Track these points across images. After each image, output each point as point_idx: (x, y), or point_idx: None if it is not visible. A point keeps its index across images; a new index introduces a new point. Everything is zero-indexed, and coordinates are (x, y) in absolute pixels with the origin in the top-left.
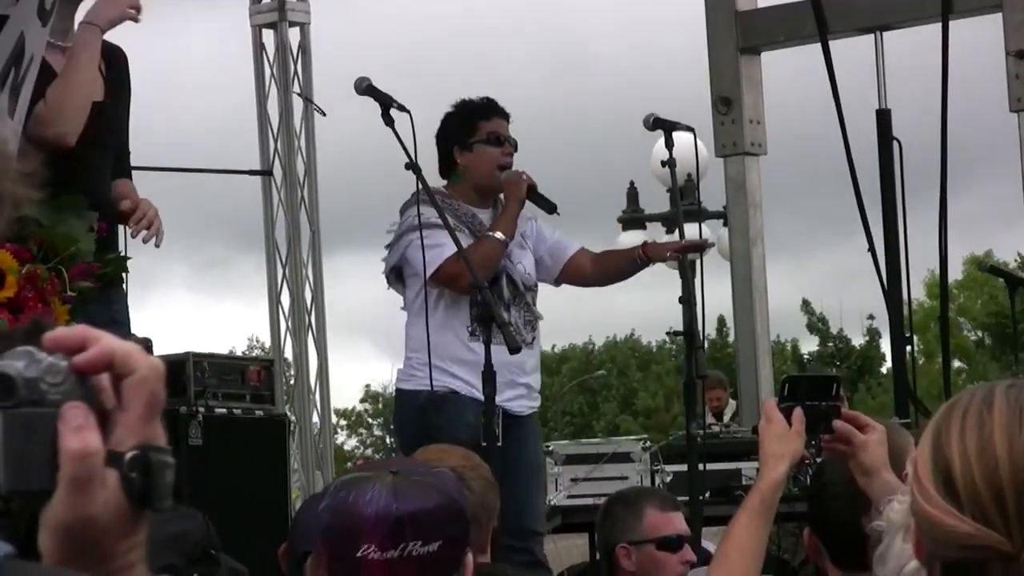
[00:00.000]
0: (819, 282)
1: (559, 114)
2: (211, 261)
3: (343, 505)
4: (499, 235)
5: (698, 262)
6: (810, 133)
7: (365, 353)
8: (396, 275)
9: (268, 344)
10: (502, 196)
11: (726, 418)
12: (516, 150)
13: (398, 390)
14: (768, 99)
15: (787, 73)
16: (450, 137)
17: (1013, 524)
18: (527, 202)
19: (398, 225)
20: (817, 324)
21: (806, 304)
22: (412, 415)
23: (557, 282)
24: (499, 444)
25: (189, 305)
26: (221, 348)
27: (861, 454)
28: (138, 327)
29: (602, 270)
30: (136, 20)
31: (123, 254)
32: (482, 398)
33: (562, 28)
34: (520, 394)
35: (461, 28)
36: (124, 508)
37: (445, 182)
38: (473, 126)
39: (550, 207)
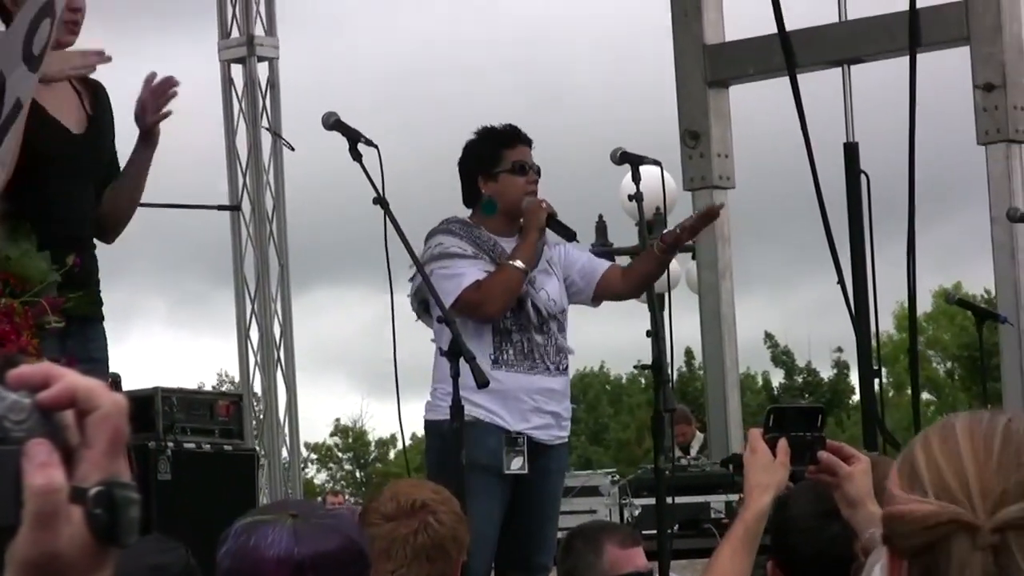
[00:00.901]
0: (787, 314)
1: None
2: (186, 296)
3: (244, 549)
4: (519, 263)
5: (666, 296)
6: (780, 166)
7: (340, 387)
8: (423, 307)
9: (237, 378)
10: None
11: (693, 451)
12: (540, 176)
13: (425, 421)
14: (737, 132)
15: (757, 106)
16: (474, 165)
17: (976, 499)
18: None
19: (422, 254)
20: (781, 357)
21: (769, 337)
22: (437, 444)
23: (594, 301)
24: (525, 472)
25: (165, 339)
26: (191, 383)
27: (846, 485)
28: (113, 361)
29: (632, 279)
30: (92, 70)
31: (97, 291)
32: (506, 425)
33: (539, 61)
34: (547, 423)
35: (432, 63)
36: (89, 544)
37: (470, 211)
38: (498, 155)
39: (569, 235)
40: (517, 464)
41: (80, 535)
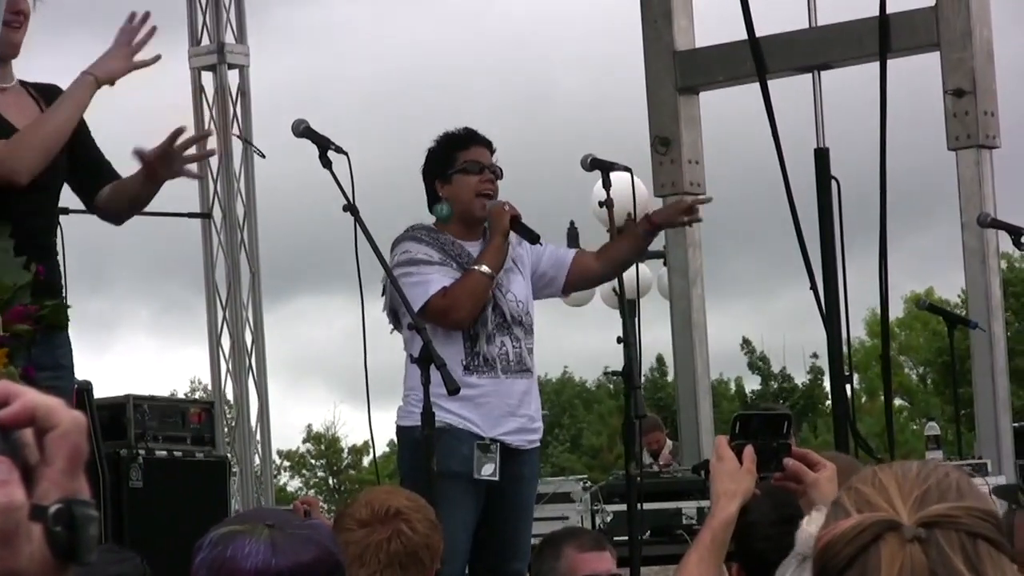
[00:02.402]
0: (759, 321)
1: (510, 152)
2: (170, 304)
3: (220, 560)
4: (484, 268)
5: (636, 302)
6: (751, 172)
7: (318, 394)
8: (394, 316)
9: (209, 386)
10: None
11: (664, 454)
12: (500, 177)
13: (397, 427)
14: (708, 139)
15: (728, 112)
16: (432, 170)
17: (899, 505)
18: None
19: (390, 261)
20: (758, 363)
21: (746, 343)
22: (410, 450)
23: (565, 291)
24: (496, 479)
25: (149, 347)
26: (173, 390)
27: (812, 492)
28: (96, 369)
29: (609, 261)
30: (147, 64)
31: (63, 300)
32: (478, 432)
33: (520, 65)
34: (521, 426)
35: (408, 70)
36: (49, 562)
37: (434, 218)
38: (452, 156)
39: (533, 237)
40: (488, 471)
41: (40, 553)
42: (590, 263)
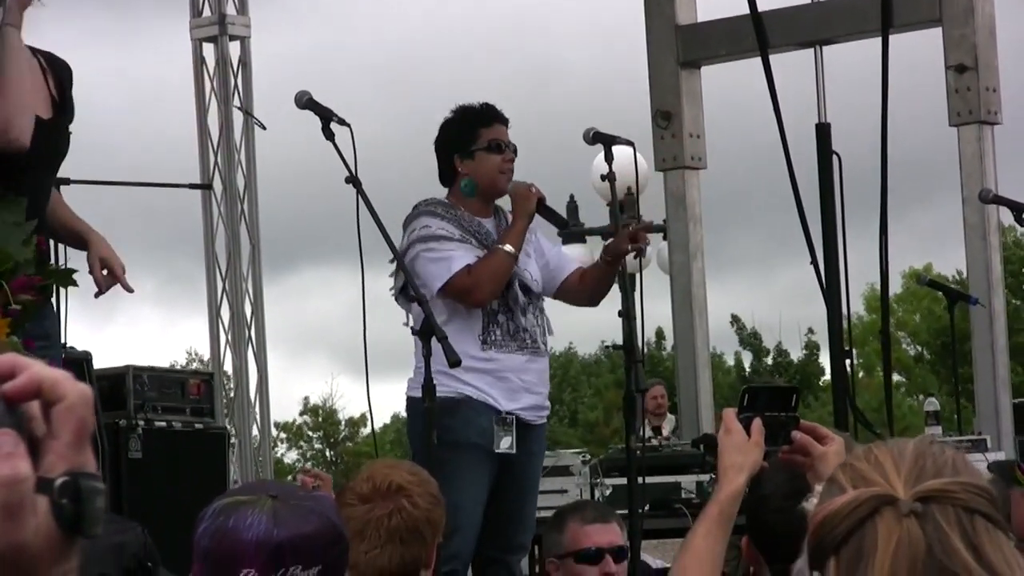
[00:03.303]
0: (758, 295)
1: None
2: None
3: (222, 530)
4: (509, 248)
5: (638, 276)
6: (752, 147)
7: (320, 367)
8: (403, 292)
9: (207, 357)
10: (503, 205)
11: (665, 431)
12: (516, 155)
13: (408, 398)
14: (709, 113)
15: (730, 87)
16: (451, 145)
17: (895, 481)
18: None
19: (403, 238)
20: (750, 339)
21: (736, 320)
22: (422, 421)
23: (555, 295)
24: (513, 452)
25: (154, 317)
26: (167, 361)
27: (820, 465)
28: (101, 341)
29: (584, 288)
30: None
31: (66, 267)
32: (496, 405)
33: (523, 39)
34: (535, 403)
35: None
36: (55, 535)
37: (447, 191)
38: (474, 133)
39: (561, 222)
40: (506, 444)
41: (46, 526)
42: (575, 283)
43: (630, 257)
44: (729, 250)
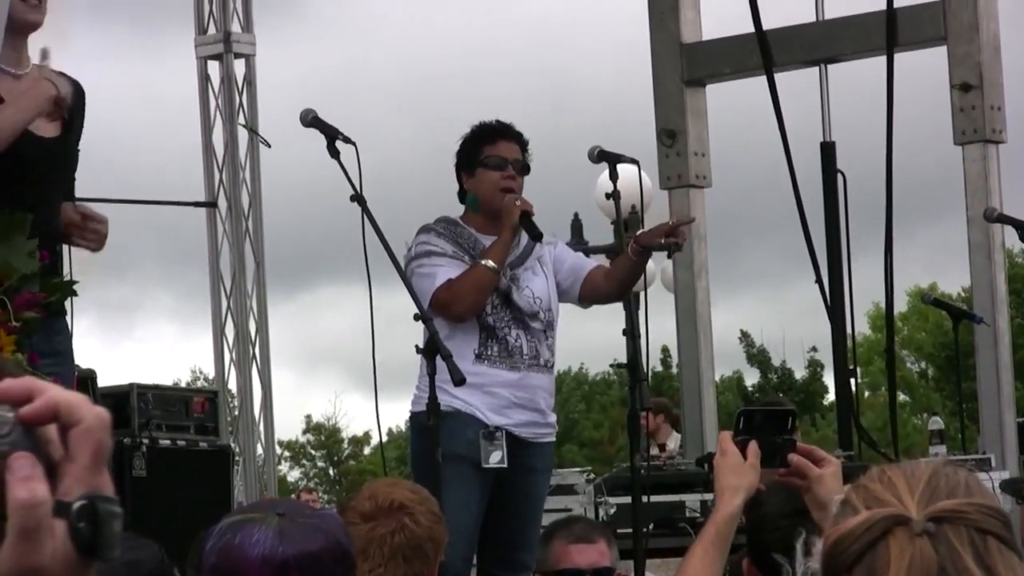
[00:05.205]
0: (762, 314)
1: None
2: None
3: (228, 547)
4: (489, 263)
5: (642, 294)
6: (757, 165)
7: (332, 386)
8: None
9: (211, 375)
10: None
11: (671, 446)
12: (526, 173)
13: (411, 414)
14: (714, 131)
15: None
16: (460, 162)
17: (908, 501)
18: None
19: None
20: (757, 356)
21: (745, 336)
22: (418, 435)
23: (582, 302)
24: (504, 466)
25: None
26: (166, 379)
27: (817, 488)
28: (117, 357)
29: (613, 280)
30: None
31: (69, 279)
32: (483, 418)
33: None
34: (530, 419)
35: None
36: (72, 558)
37: (463, 208)
38: (478, 150)
39: (535, 234)
40: (496, 458)
41: (63, 549)
42: (600, 280)
43: (651, 264)
44: (736, 268)
